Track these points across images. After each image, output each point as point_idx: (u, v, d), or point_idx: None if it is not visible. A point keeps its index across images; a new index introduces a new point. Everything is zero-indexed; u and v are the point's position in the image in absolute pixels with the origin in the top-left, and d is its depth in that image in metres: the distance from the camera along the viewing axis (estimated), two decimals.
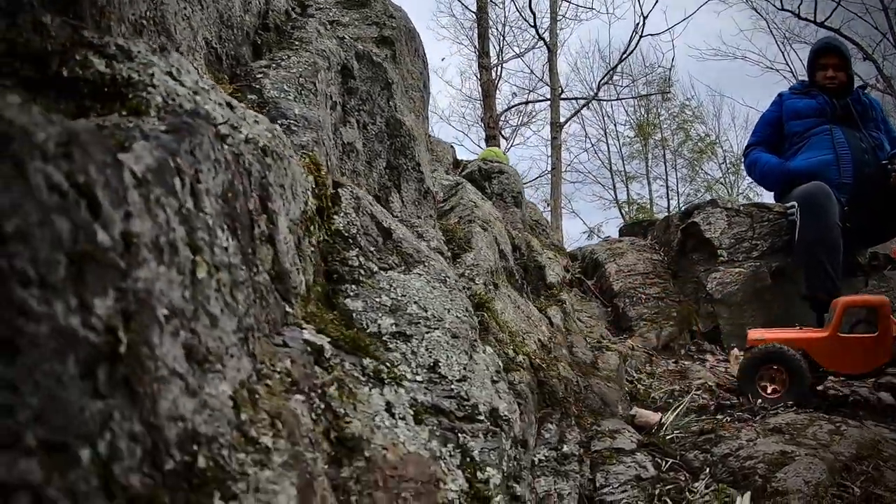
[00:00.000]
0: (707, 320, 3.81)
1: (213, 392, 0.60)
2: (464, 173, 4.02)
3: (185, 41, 1.31)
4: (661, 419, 2.17)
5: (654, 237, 5.08)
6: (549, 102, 12.93)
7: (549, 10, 11.99)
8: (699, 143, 16.87)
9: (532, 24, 11.92)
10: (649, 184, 17.39)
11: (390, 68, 2.03)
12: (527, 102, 13.95)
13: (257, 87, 1.48)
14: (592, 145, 17.47)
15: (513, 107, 14.16)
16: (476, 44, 11.90)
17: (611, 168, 17.71)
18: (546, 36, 12.09)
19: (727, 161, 14.95)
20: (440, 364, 1.20)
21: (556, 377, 1.89)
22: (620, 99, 15.66)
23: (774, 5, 12.46)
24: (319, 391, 0.89)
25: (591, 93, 14.12)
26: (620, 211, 16.99)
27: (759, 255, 3.82)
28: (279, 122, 1.48)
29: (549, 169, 13.00)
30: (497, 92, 14.81)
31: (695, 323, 4.06)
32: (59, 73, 0.67)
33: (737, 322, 3.66)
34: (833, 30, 11.38)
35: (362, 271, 1.36)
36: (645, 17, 11.91)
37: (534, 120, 15.41)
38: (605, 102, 17.15)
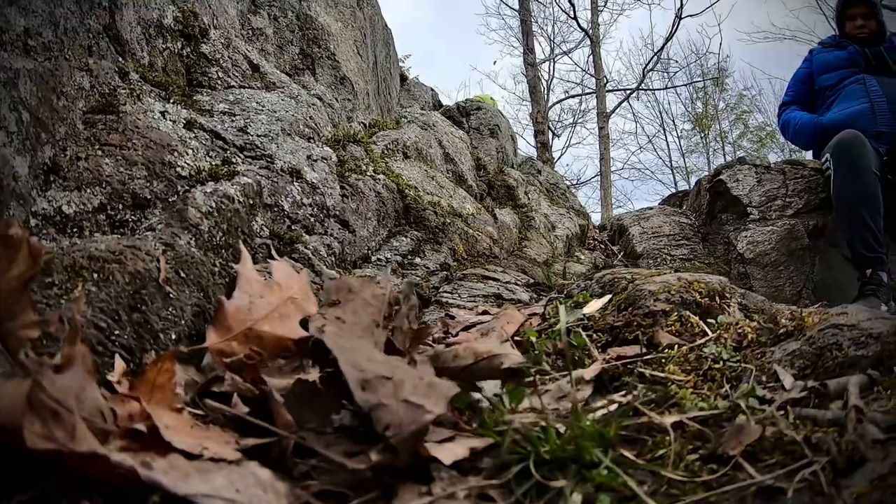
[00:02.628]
0: (739, 283, 3.50)
1: None
2: (441, 110, 4.45)
3: None
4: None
5: (689, 205, 4.89)
6: (595, 94, 13.07)
7: (590, 2, 12.21)
8: (759, 133, 16.35)
9: (572, 15, 12.18)
10: None
11: None
12: (573, 96, 14.14)
13: None
14: (650, 140, 17.27)
15: (561, 101, 14.39)
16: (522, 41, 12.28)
17: (671, 164, 17.44)
18: (588, 27, 12.30)
19: (788, 148, 14.38)
20: (250, 127, 1.61)
21: (433, 214, 2.23)
22: (669, 88, 15.51)
23: None
24: (113, 92, 1.33)
25: (642, 83, 14.10)
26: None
27: (793, 213, 3.58)
28: None
29: (599, 160, 13.07)
30: (551, 93, 15.07)
31: None
32: None
33: (772, 284, 3.42)
34: None
35: (219, 83, 1.81)
36: None
37: (588, 120, 15.53)
38: (662, 98, 16.97)
